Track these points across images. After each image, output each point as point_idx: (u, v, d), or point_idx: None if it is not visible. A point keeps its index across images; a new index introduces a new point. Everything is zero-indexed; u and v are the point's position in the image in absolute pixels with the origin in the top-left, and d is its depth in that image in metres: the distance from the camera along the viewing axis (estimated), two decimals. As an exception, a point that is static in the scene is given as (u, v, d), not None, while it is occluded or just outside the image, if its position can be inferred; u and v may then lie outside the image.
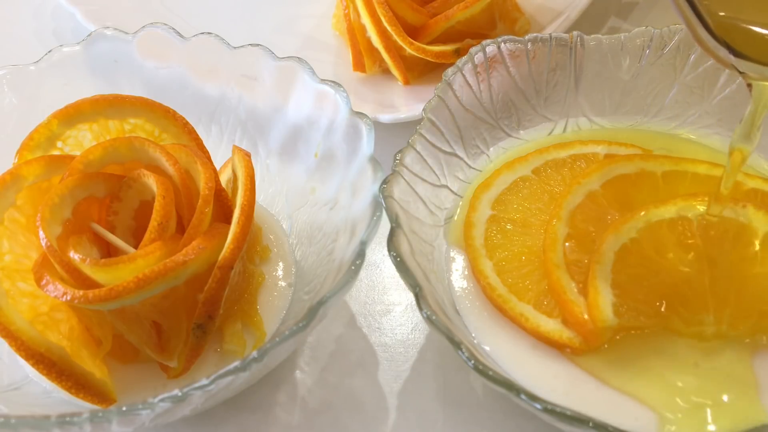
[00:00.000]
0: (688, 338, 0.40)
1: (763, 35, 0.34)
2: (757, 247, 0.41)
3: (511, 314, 0.41)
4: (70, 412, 0.33)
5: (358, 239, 0.39)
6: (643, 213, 0.42)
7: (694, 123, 0.50)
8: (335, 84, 0.46)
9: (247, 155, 0.44)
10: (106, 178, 0.42)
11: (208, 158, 0.44)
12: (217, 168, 0.46)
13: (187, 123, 0.45)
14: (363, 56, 0.59)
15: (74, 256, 0.38)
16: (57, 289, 0.38)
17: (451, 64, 0.48)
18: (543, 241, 0.43)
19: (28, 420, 0.33)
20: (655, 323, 0.40)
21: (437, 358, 0.45)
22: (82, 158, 0.41)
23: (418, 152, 0.45)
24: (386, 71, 0.59)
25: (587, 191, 0.44)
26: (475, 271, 0.43)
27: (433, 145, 0.46)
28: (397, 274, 0.39)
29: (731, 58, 0.35)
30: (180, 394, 0.34)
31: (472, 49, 0.49)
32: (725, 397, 0.38)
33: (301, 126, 0.48)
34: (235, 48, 0.49)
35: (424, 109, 0.46)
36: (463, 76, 0.48)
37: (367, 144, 0.43)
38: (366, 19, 0.57)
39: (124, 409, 0.33)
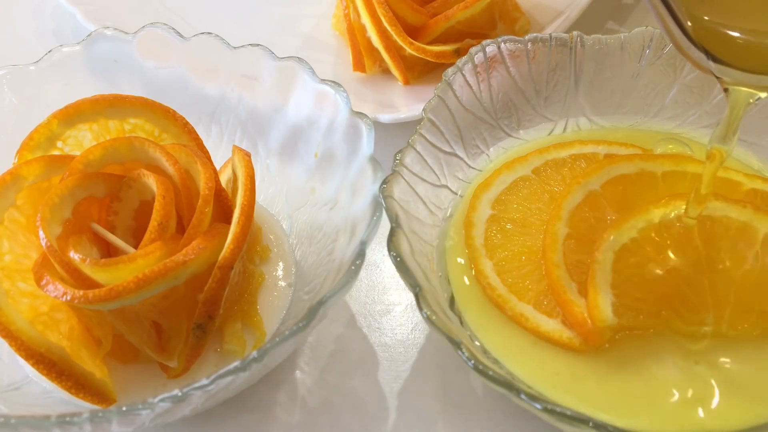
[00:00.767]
0: (688, 338, 0.40)
1: (740, 40, 0.33)
2: (758, 248, 0.41)
3: (511, 314, 0.41)
4: (70, 412, 0.33)
5: (358, 239, 0.39)
6: (643, 213, 0.42)
7: (694, 123, 0.50)
8: (335, 84, 0.46)
9: (247, 155, 0.44)
10: (106, 178, 0.42)
11: (208, 158, 0.44)
12: (217, 168, 0.46)
13: (187, 123, 0.45)
14: (363, 56, 0.59)
15: (74, 256, 0.38)
16: (57, 289, 0.38)
17: (451, 64, 0.48)
18: (543, 241, 0.43)
19: (28, 420, 0.33)
20: (655, 323, 0.40)
21: (437, 358, 0.45)
22: (82, 158, 0.41)
23: (418, 152, 0.45)
24: (386, 71, 0.59)
25: (587, 191, 0.44)
26: (475, 271, 0.43)
27: (433, 145, 0.46)
28: (397, 274, 0.39)
29: (710, 64, 0.34)
30: (180, 394, 0.34)
31: (472, 49, 0.49)
32: (725, 397, 0.38)
33: (301, 126, 0.48)
34: (235, 48, 0.49)
35: (424, 109, 0.46)
36: (463, 76, 0.48)
37: (367, 144, 0.43)
38: (366, 19, 0.57)
39: (124, 409, 0.33)
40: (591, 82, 0.51)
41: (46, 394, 0.41)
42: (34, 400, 0.41)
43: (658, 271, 0.41)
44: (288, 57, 0.48)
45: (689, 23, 0.33)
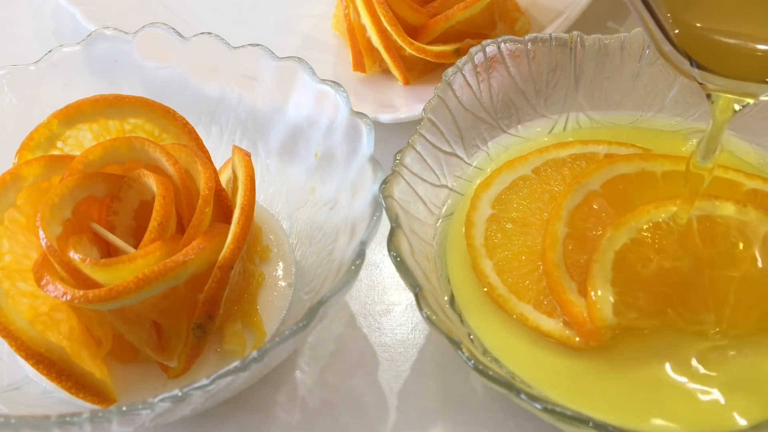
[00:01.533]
0: (688, 338, 0.40)
1: (722, 45, 0.32)
2: (758, 247, 0.41)
3: (511, 314, 0.41)
4: (70, 412, 0.33)
5: (358, 239, 0.39)
6: (642, 213, 0.42)
7: (694, 123, 0.50)
8: (335, 84, 0.46)
9: (247, 155, 0.44)
10: (106, 178, 0.42)
11: (208, 158, 0.44)
12: (217, 168, 0.46)
13: (187, 123, 0.45)
14: (363, 56, 0.59)
15: (74, 256, 0.38)
16: (57, 289, 0.38)
17: (451, 64, 0.48)
18: (542, 240, 0.43)
19: (28, 420, 0.33)
20: (655, 323, 0.40)
21: (437, 358, 0.45)
22: (82, 158, 0.41)
23: (418, 152, 0.45)
24: (386, 71, 0.59)
25: (587, 191, 0.44)
26: (475, 271, 0.43)
27: (433, 145, 0.46)
28: (397, 274, 0.39)
29: (693, 70, 0.34)
30: (180, 394, 0.34)
31: (472, 49, 0.49)
32: (725, 396, 0.38)
33: (301, 126, 0.48)
34: (235, 48, 0.49)
35: (424, 109, 0.46)
36: (463, 76, 0.48)
37: (367, 144, 0.43)
38: (366, 19, 0.57)
39: (124, 409, 0.33)
40: (591, 82, 0.51)
41: (46, 394, 0.41)
42: (34, 400, 0.41)
43: (658, 271, 0.41)
44: (288, 57, 0.48)
45: (674, 29, 0.33)
